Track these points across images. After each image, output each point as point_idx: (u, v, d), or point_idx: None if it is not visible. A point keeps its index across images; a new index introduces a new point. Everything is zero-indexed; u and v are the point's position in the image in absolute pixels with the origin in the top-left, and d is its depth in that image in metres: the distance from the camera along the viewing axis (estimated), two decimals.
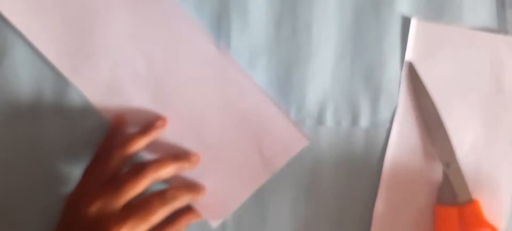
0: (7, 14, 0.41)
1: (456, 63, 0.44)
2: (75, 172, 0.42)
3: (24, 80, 0.42)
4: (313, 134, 0.44)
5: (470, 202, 0.43)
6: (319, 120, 0.44)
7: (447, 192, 0.44)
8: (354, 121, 0.44)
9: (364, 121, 0.44)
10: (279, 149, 0.43)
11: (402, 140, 0.44)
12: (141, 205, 0.37)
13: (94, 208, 0.36)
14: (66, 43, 0.42)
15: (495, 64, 0.44)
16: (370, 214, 0.44)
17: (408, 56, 0.44)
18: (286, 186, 0.44)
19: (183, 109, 0.43)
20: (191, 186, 0.42)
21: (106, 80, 0.42)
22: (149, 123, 0.41)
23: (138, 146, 0.40)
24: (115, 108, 0.42)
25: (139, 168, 0.38)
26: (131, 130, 0.42)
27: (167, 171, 0.39)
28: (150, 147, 0.41)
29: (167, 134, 0.42)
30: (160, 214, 0.38)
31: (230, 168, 0.43)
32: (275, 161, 0.43)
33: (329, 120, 0.44)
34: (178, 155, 0.41)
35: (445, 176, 0.44)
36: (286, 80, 0.43)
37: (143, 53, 0.42)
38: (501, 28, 0.45)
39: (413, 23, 0.44)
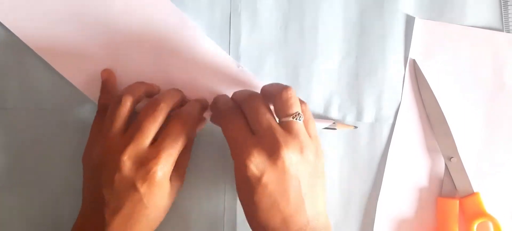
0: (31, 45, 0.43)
1: (458, 61, 0.45)
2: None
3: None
4: (319, 128, 0.45)
5: (471, 195, 0.44)
6: (325, 115, 0.45)
7: (448, 185, 0.45)
8: (359, 116, 0.45)
9: (368, 116, 0.45)
10: None
11: (405, 135, 0.45)
12: (166, 136, 0.37)
13: (127, 156, 0.36)
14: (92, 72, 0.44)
15: (497, 62, 0.45)
16: (374, 206, 0.45)
17: (412, 53, 0.45)
18: None
19: None
20: (201, 100, 0.42)
21: None
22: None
23: (142, 89, 0.41)
24: None
25: (153, 104, 0.38)
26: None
27: (176, 99, 0.40)
28: None
29: None
30: (186, 135, 0.38)
31: None
32: None
33: (334, 115, 0.45)
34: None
35: (447, 170, 0.45)
36: (294, 77, 0.45)
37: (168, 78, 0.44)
38: (503, 26, 0.45)
39: (417, 22, 0.45)
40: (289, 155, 0.35)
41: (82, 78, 0.44)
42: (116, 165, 0.36)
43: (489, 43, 0.45)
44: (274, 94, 0.37)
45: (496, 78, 0.45)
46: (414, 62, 0.45)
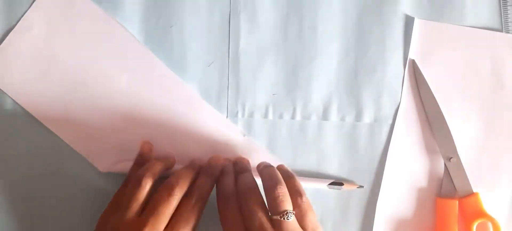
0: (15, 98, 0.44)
1: (457, 61, 0.45)
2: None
3: None
4: (318, 129, 0.45)
5: (471, 195, 0.44)
6: (324, 115, 0.45)
7: (448, 185, 0.45)
8: (358, 116, 0.45)
9: (367, 116, 0.45)
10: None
11: (404, 135, 0.45)
12: (179, 218, 0.38)
13: None
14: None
15: (496, 62, 0.45)
16: (373, 206, 0.45)
17: (411, 54, 0.45)
18: None
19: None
20: (213, 174, 0.43)
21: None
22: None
23: (160, 167, 0.41)
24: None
25: (168, 188, 0.39)
26: None
27: (189, 180, 0.40)
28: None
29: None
30: (197, 214, 0.39)
31: None
32: None
33: (333, 115, 0.45)
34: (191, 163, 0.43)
35: (446, 170, 0.45)
36: (293, 78, 0.45)
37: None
38: (502, 27, 0.45)
39: (416, 22, 0.45)
40: None
41: (91, 149, 0.44)
42: None
43: (489, 43, 0.45)
44: (265, 188, 0.38)
45: (496, 79, 0.45)
46: (413, 62, 0.45)
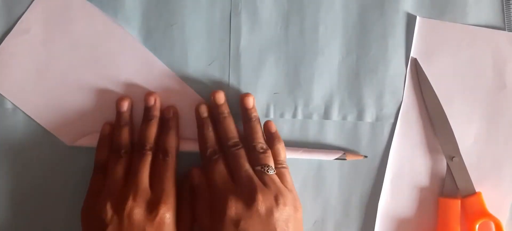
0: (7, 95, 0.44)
1: (459, 60, 0.45)
2: None
3: None
4: (319, 128, 0.45)
5: (473, 194, 0.44)
6: (326, 115, 0.45)
7: (450, 185, 0.45)
8: (360, 115, 0.45)
9: (369, 116, 0.45)
10: None
11: (406, 134, 0.45)
12: (157, 180, 0.40)
13: (128, 208, 0.38)
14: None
15: (498, 61, 0.45)
16: (375, 206, 0.45)
17: (413, 52, 0.45)
18: (293, 180, 0.45)
19: None
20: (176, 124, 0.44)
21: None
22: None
23: (127, 135, 0.42)
24: None
25: (140, 151, 0.41)
26: None
27: (154, 135, 0.42)
28: None
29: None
30: (173, 172, 0.41)
31: None
32: None
33: (335, 114, 0.45)
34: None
35: (449, 169, 0.45)
36: (294, 77, 0.45)
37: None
38: (505, 25, 0.45)
39: (418, 21, 0.45)
40: (264, 203, 0.38)
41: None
42: (124, 215, 0.38)
43: (491, 42, 0.45)
44: (249, 141, 0.42)
45: (498, 77, 0.45)
46: (415, 61, 0.45)
